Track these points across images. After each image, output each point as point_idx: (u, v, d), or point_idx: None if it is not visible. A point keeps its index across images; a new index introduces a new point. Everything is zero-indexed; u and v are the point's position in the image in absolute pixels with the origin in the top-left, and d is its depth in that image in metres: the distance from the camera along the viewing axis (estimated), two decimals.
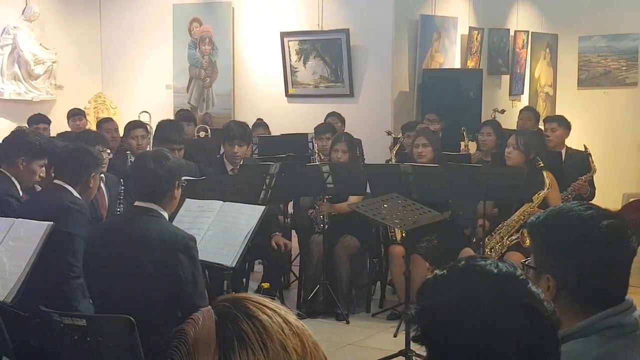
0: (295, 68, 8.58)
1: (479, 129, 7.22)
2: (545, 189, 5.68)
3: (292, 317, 1.21)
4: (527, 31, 10.39)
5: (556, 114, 9.01)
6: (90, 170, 4.18)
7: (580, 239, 1.87)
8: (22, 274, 3.47)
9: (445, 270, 1.56)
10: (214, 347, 1.14)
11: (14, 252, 3.56)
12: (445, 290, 1.52)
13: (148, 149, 6.09)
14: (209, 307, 1.21)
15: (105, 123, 7.53)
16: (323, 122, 7.37)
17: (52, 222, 3.64)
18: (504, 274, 1.52)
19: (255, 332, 1.15)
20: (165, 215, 3.66)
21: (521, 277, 1.54)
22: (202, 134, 8.15)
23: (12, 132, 5.36)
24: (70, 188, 4.08)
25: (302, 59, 8.53)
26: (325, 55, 8.41)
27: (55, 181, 4.16)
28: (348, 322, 5.93)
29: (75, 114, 8.12)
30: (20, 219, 3.81)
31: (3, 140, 4.95)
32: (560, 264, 1.89)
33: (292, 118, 8.18)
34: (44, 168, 4.49)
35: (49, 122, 7.65)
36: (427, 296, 1.55)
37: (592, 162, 6.56)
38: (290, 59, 8.57)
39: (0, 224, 3.79)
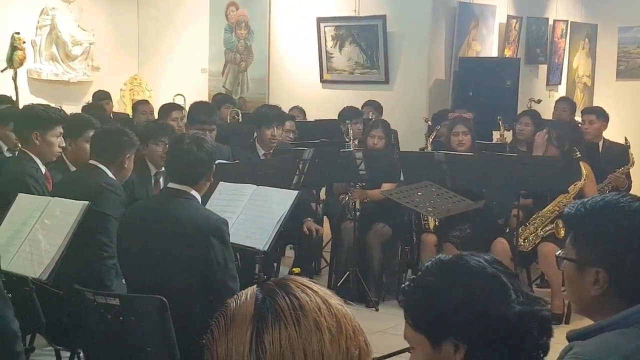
0: (331, 54, 8.57)
1: (518, 118, 7.16)
2: (582, 180, 5.63)
3: (334, 300, 1.23)
4: (566, 21, 10.29)
5: (593, 105, 8.90)
6: (125, 151, 4.20)
7: (633, 232, 1.84)
8: (57, 252, 3.51)
9: (436, 265, 1.65)
10: (250, 320, 1.17)
11: (50, 231, 3.60)
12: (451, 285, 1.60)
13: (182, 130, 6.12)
14: (255, 286, 1.24)
15: (141, 105, 7.59)
16: (350, 107, 7.34)
17: (87, 202, 3.67)
18: (491, 260, 1.64)
19: (290, 308, 1.18)
20: (198, 197, 3.67)
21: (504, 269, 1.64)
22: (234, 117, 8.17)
23: (21, 110, 5.42)
24: (104, 168, 4.11)
25: (337, 44, 8.52)
26: (361, 42, 8.39)
27: (91, 161, 4.19)
28: (377, 309, 5.93)
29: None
30: (56, 197, 3.86)
31: (15, 120, 5.02)
32: (612, 257, 1.85)
33: (327, 104, 8.18)
34: (61, 138, 4.53)
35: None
36: (433, 292, 1.61)
37: (632, 155, 6.50)
38: (325, 45, 8.56)
39: (37, 202, 3.84)
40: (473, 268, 1.60)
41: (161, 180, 5.21)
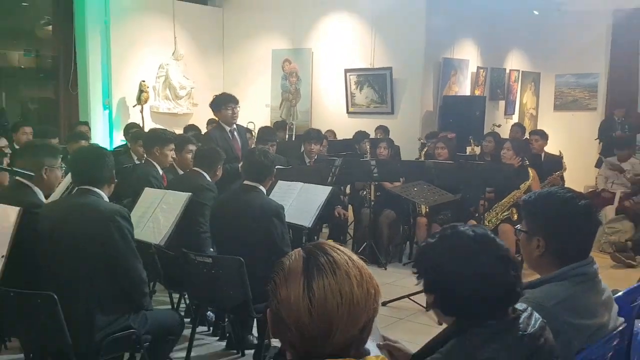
0: (354, 94, 8.56)
1: (484, 137, 7.10)
2: (530, 180, 5.56)
3: (355, 257, 1.22)
4: (518, 70, 10.16)
5: (538, 128, 8.78)
6: (218, 163, 4.24)
7: (566, 213, 1.83)
8: (170, 227, 3.54)
9: (436, 237, 1.55)
10: (301, 272, 1.16)
11: (166, 212, 3.64)
12: (442, 251, 1.51)
13: (253, 145, 6.16)
14: (300, 248, 1.23)
15: None
16: (360, 131, 7.34)
17: (190, 193, 3.70)
18: (480, 234, 1.51)
19: (328, 263, 1.16)
20: (264, 191, 3.69)
21: (492, 235, 1.53)
22: (288, 133, 8.18)
23: (146, 132, 5.49)
24: (204, 173, 4.16)
25: (358, 87, 8.50)
26: (375, 85, 8.36)
27: (195, 168, 4.25)
28: (386, 269, 5.91)
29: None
30: (170, 190, 3.90)
31: (143, 139, 5.10)
32: (550, 231, 1.84)
33: (351, 128, 8.16)
34: (173, 151, 4.58)
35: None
36: (429, 257, 1.54)
37: (564, 163, 6.41)
38: (350, 87, 8.55)
39: (157, 193, 3.88)
40: (457, 243, 1.51)
41: (235, 134, 5.32)
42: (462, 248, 1.49)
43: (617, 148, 7.21)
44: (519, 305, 1.55)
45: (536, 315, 1.54)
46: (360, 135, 7.19)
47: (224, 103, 5.30)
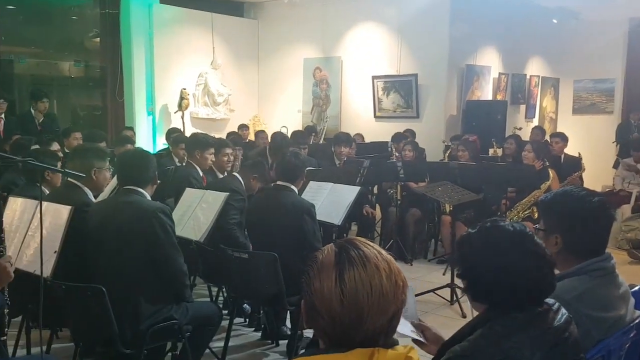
0: (381, 99, 8.52)
1: (505, 140, 7.00)
2: (550, 180, 5.46)
3: (384, 252, 1.21)
4: (538, 75, 9.97)
5: (558, 131, 8.61)
6: (254, 172, 4.24)
7: (580, 210, 1.79)
8: (209, 224, 3.57)
9: (476, 229, 1.53)
10: (333, 265, 1.16)
11: (205, 211, 3.66)
12: (478, 242, 1.49)
13: None
14: (332, 243, 1.23)
15: (260, 133, 7.69)
16: (397, 132, 7.33)
17: (228, 193, 3.72)
18: (518, 230, 1.49)
19: (358, 257, 1.16)
20: (296, 190, 3.69)
21: (529, 232, 1.50)
22: (316, 138, 8.18)
23: (188, 137, 5.56)
24: (241, 179, 4.18)
25: (385, 93, 8.46)
26: (401, 91, 8.31)
27: (233, 173, 4.28)
28: (412, 264, 5.86)
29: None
30: (209, 190, 3.93)
31: (185, 143, 5.15)
32: (566, 227, 1.81)
33: (378, 132, 8.14)
34: (213, 155, 4.61)
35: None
36: (465, 246, 1.53)
37: (583, 164, 6.28)
38: (377, 93, 8.51)
39: (197, 193, 3.93)
40: (493, 236, 1.49)
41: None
42: (496, 241, 1.48)
43: (633, 149, 7.05)
44: (549, 300, 1.52)
45: (563, 310, 1.51)
46: (398, 136, 7.19)
47: (288, 146, 5.41)
